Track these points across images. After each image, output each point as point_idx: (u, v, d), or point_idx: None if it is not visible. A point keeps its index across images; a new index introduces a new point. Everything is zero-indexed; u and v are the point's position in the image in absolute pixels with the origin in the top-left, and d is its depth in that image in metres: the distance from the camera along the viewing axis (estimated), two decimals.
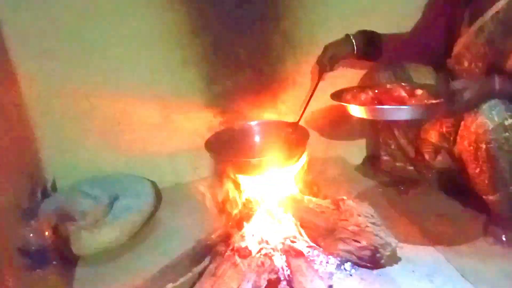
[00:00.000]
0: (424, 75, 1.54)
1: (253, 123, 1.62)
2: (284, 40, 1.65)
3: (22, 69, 1.47)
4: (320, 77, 1.51)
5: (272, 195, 1.41)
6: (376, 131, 1.67)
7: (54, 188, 1.60)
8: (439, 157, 1.48)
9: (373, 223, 1.26)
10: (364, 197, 1.53)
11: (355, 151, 1.86)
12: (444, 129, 1.40)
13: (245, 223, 1.33)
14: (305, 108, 1.51)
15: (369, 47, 1.51)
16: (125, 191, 1.53)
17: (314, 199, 1.40)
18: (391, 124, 1.57)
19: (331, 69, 1.51)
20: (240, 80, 1.66)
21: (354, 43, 1.48)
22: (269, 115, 1.70)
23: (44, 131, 1.57)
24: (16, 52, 1.44)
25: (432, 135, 1.45)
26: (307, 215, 1.35)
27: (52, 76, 1.51)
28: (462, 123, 1.22)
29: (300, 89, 1.70)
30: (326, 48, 1.50)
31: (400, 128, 1.56)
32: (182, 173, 1.73)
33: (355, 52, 1.50)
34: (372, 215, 1.29)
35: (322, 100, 1.55)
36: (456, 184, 1.46)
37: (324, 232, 1.30)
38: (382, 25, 1.62)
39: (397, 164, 1.61)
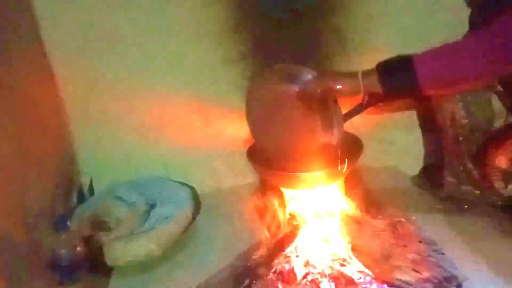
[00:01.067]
0: None
1: None
2: (335, 37, 1.50)
3: (60, 68, 1.40)
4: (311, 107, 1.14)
5: (320, 211, 1.28)
6: (439, 145, 1.47)
7: (91, 191, 1.54)
8: (510, 185, 1.29)
9: (436, 251, 1.12)
10: (421, 215, 1.40)
11: (411, 161, 1.68)
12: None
13: (289, 242, 1.22)
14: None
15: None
16: (163, 198, 1.44)
17: (368, 217, 1.26)
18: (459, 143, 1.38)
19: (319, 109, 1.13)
20: None
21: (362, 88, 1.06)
22: None
23: (81, 131, 1.50)
24: (53, 52, 1.38)
25: (502, 161, 1.26)
26: (360, 237, 1.22)
27: (89, 75, 1.44)
28: None
29: None
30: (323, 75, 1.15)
31: (468, 150, 1.36)
32: (222, 178, 1.63)
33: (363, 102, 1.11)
34: (435, 242, 1.14)
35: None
36: None
37: (378, 258, 1.16)
38: (451, 22, 1.44)
39: (462, 187, 1.40)
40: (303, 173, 1.22)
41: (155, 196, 1.45)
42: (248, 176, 1.61)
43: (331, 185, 1.30)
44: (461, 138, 1.35)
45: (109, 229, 1.31)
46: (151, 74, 1.47)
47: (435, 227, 1.32)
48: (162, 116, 1.52)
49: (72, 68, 1.41)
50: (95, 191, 1.53)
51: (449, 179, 1.43)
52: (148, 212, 1.38)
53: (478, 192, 1.39)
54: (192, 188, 1.54)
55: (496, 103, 1.33)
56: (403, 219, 1.20)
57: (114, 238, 1.26)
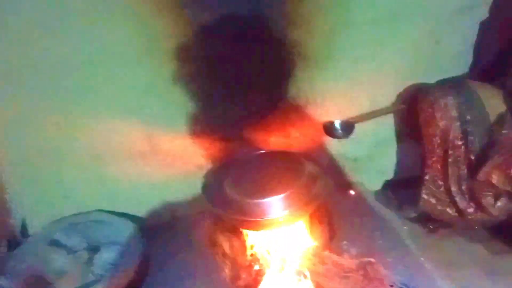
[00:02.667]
0: (496, 98, 1.28)
1: (258, 153, 1.36)
2: (296, 52, 1.36)
3: None
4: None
5: (284, 252, 1.18)
6: (421, 160, 1.39)
7: (24, 232, 1.35)
8: (499, 203, 1.23)
9: None
10: (387, 237, 1.33)
11: (374, 174, 1.61)
12: None
13: None
14: None
15: None
16: (107, 239, 1.29)
17: (335, 257, 1.17)
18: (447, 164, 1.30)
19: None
20: (242, 100, 1.38)
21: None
22: (278, 140, 1.43)
23: (8, 168, 1.30)
24: None
25: (496, 177, 1.19)
26: (329, 279, 1.12)
27: (17, 103, 1.24)
28: None
29: (315, 110, 1.43)
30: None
31: (456, 172, 1.29)
32: (176, 207, 1.48)
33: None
34: (406, 286, 1.07)
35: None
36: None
37: None
38: (414, 33, 1.35)
39: (439, 207, 1.34)
40: (264, 219, 1.10)
41: (98, 238, 1.30)
42: (204, 203, 1.47)
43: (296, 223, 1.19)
44: (450, 160, 1.28)
45: (48, 284, 1.15)
46: (89, 100, 1.28)
47: (405, 256, 1.26)
48: (105, 145, 1.34)
49: None
50: (30, 234, 1.35)
51: (426, 197, 1.35)
52: (91, 260, 1.23)
53: (455, 214, 1.32)
54: (142, 221, 1.40)
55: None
56: (372, 260, 1.12)
57: None
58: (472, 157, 1.25)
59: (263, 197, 1.13)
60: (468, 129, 1.25)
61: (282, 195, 1.14)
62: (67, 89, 1.24)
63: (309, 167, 1.23)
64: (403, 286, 1.06)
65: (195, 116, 1.37)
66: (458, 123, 1.25)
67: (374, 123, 1.50)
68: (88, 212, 1.38)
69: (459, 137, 1.26)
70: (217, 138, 1.41)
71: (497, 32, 1.36)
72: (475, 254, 1.29)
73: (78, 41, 1.19)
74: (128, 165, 1.39)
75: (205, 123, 1.39)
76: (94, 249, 1.26)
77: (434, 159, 1.31)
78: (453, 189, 1.27)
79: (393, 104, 1.47)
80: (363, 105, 1.47)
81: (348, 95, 1.45)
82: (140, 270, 1.23)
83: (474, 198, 1.25)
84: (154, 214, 1.47)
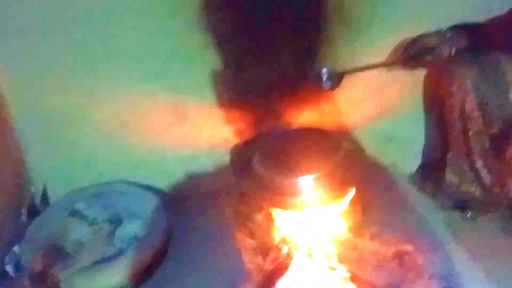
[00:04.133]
0: None
1: (290, 129, 1.27)
2: (336, 17, 1.25)
3: None
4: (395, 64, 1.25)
5: (315, 237, 1.11)
6: (444, 138, 1.32)
7: (45, 201, 1.31)
8: None
9: None
10: (422, 224, 1.26)
11: (410, 157, 1.51)
12: None
13: (280, 275, 1.05)
14: None
15: (472, 46, 1.18)
16: (130, 212, 1.24)
17: (370, 243, 1.09)
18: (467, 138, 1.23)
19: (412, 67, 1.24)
20: (275, 69, 1.28)
21: (452, 45, 1.17)
22: (311, 116, 1.34)
23: (28, 131, 1.26)
24: None
25: None
26: (361, 266, 1.06)
27: (36, 62, 1.19)
28: None
29: (354, 83, 1.32)
30: (414, 41, 1.21)
31: (479, 146, 1.22)
32: (201, 181, 1.42)
33: (451, 55, 1.18)
34: (446, 276, 1.00)
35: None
36: None
37: None
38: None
39: (463, 188, 1.29)
40: (297, 199, 1.03)
41: (120, 210, 1.25)
42: (230, 177, 1.40)
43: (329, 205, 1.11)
44: (470, 133, 1.24)
45: (67, 256, 1.11)
46: (113, 62, 1.21)
47: (443, 245, 1.18)
48: (129, 113, 1.28)
49: (13, 53, 1.15)
50: (50, 203, 1.30)
51: (449, 178, 1.31)
52: (112, 232, 1.18)
53: (479, 193, 1.28)
54: (164, 195, 1.34)
55: None
56: (411, 249, 1.04)
57: (73, 272, 1.07)
58: (493, 131, 1.21)
59: (295, 175, 1.05)
60: (484, 101, 1.20)
61: (315, 175, 1.05)
62: (91, 46, 1.17)
63: (345, 146, 1.14)
64: (443, 279, 0.99)
65: (223, 83, 1.29)
66: (473, 94, 1.20)
67: (414, 101, 1.41)
68: (110, 182, 1.33)
69: (475, 108, 1.21)
70: (245, 109, 1.32)
71: None
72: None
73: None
74: (152, 134, 1.33)
75: (233, 91, 1.31)
76: (116, 221, 1.21)
77: (455, 133, 1.26)
78: (478, 164, 1.24)
79: (392, 58, 1.34)
80: (405, 81, 1.37)
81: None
82: (163, 244, 1.19)
83: (500, 177, 1.20)
84: (178, 187, 1.41)
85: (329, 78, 1.25)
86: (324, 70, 1.24)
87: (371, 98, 1.42)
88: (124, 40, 1.19)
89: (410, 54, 1.22)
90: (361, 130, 1.41)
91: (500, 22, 1.21)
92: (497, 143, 1.21)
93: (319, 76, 1.25)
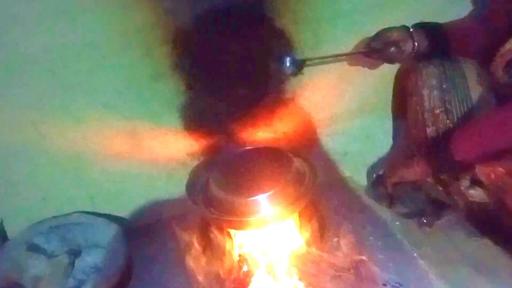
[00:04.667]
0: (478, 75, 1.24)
1: (244, 149, 1.31)
2: (282, 43, 1.31)
3: None
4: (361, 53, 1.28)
5: (273, 251, 1.14)
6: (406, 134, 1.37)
7: (2, 236, 1.29)
8: (473, 191, 1.19)
9: None
10: (379, 234, 1.30)
11: (364, 169, 1.57)
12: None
13: None
14: None
15: (433, 45, 1.22)
16: (89, 242, 1.24)
17: (326, 255, 1.12)
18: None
19: (375, 59, 1.29)
20: (227, 94, 1.33)
21: (415, 40, 1.21)
22: (266, 136, 1.38)
23: None
24: None
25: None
26: (319, 280, 1.08)
27: None
28: None
29: (303, 104, 1.38)
30: (378, 34, 1.24)
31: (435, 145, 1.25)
32: (161, 208, 1.43)
33: (414, 51, 1.22)
34: (400, 284, 1.03)
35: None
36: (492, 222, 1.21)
37: None
38: (404, 20, 1.30)
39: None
40: (253, 218, 1.05)
41: (79, 241, 1.25)
42: (189, 203, 1.42)
43: (284, 222, 1.14)
44: (428, 130, 1.26)
45: None
46: (64, 96, 1.22)
47: (397, 253, 1.22)
48: (84, 145, 1.28)
49: None
50: (8, 238, 1.29)
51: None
52: (72, 264, 1.18)
53: (441, 188, 1.31)
54: (125, 222, 1.35)
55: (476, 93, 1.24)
56: (365, 258, 1.08)
57: None
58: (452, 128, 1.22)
59: (250, 195, 1.08)
60: (445, 98, 1.22)
61: (269, 193, 1.09)
62: (41, 85, 1.18)
63: (297, 163, 1.19)
64: (396, 285, 1.02)
65: (179, 111, 1.32)
66: (436, 92, 1.23)
67: (364, 118, 1.47)
68: (68, 214, 1.32)
69: (437, 105, 1.23)
70: (202, 134, 1.36)
71: None
72: (468, 251, 1.25)
73: (52, 33, 1.12)
74: (109, 164, 1.33)
75: (189, 119, 1.34)
76: (75, 253, 1.21)
77: (416, 130, 1.29)
78: (438, 163, 1.23)
79: (354, 48, 1.36)
80: (352, 101, 1.43)
81: (337, 89, 1.41)
82: (123, 273, 1.18)
83: (454, 178, 1.23)
84: (138, 215, 1.41)
85: (291, 64, 1.30)
86: (287, 56, 1.29)
87: (324, 113, 1.46)
88: (76, 75, 1.20)
89: (373, 46, 1.24)
90: (314, 146, 1.46)
91: (456, 28, 1.25)
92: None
93: (281, 62, 1.30)
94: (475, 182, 1.20)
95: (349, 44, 1.35)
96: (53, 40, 1.14)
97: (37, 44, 1.13)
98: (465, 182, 1.22)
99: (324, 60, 1.32)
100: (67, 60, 1.17)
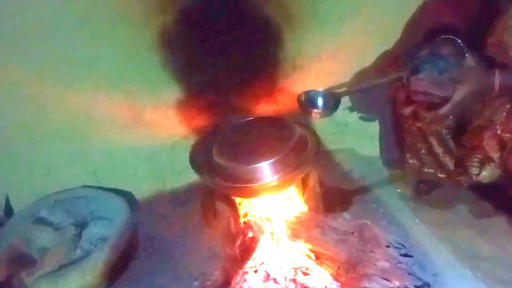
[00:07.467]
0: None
1: (245, 120, 1.31)
2: (281, 15, 1.30)
3: None
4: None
5: (277, 217, 1.15)
6: (398, 126, 1.35)
7: (9, 211, 1.30)
8: (485, 172, 1.16)
9: (405, 255, 1.03)
10: (380, 201, 1.33)
11: (365, 139, 1.58)
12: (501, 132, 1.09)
13: (247, 258, 1.08)
14: None
15: None
16: (94, 214, 1.25)
17: (329, 220, 1.14)
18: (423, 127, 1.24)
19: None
20: (227, 65, 1.33)
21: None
22: (265, 107, 1.39)
23: None
24: None
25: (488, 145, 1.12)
26: (323, 244, 1.10)
27: None
28: None
29: (302, 74, 1.38)
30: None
31: (437, 134, 1.23)
32: (163, 180, 1.44)
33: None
34: (403, 245, 1.05)
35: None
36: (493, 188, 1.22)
37: (344, 265, 1.06)
38: None
39: (425, 170, 1.29)
40: (255, 184, 1.06)
41: (85, 213, 1.25)
42: (192, 175, 1.43)
43: (287, 188, 1.16)
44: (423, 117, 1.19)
45: (33, 263, 1.11)
46: (65, 71, 1.21)
47: (399, 218, 1.24)
48: (85, 117, 1.28)
49: None
50: (14, 213, 1.30)
51: (411, 161, 1.31)
52: (78, 235, 1.19)
53: (444, 175, 1.28)
54: (129, 195, 1.36)
55: None
56: (368, 221, 1.09)
57: (39, 277, 1.07)
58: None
59: (253, 162, 1.09)
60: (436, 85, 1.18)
61: (271, 160, 1.09)
62: (40, 57, 1.17)
63: (299, 132, 1.19)
64: (399, 246, 1.04)
65: (179, 83, 1.32)
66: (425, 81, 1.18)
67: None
68: (73, 189, 1.33)
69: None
70: (203, 107, 1.36)
71: None
72: (466, 215, 1.29)
73: (48, 4, 1.11)
74: (111, 137, 1.34)
75: (189, 91, 1.34)
76: (82, 225, 1.21)
77: (410, 121, 1.25)
78: (438, 150, 1.23)
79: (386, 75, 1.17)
80: (353, 67, 1.43)
81: (336, 58, 1.40)
82: (130, 244, 1.20)
83: (461, 164, 1.21)
84: (142, 188, 1.42)
85: (325, 104, 1.07)
86: (319, 92, 1.07)
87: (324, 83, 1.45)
88: (74, 46, 1.19)
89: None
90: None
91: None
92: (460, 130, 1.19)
93: (310, 100, 1.08)
94: (483, 162, 1.18)
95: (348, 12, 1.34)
96: (50, 11, 1.13)
97: (34, 15, 1.12)
98: (475, 170, 1.18)
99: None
100: (65, 32, 1.17)
